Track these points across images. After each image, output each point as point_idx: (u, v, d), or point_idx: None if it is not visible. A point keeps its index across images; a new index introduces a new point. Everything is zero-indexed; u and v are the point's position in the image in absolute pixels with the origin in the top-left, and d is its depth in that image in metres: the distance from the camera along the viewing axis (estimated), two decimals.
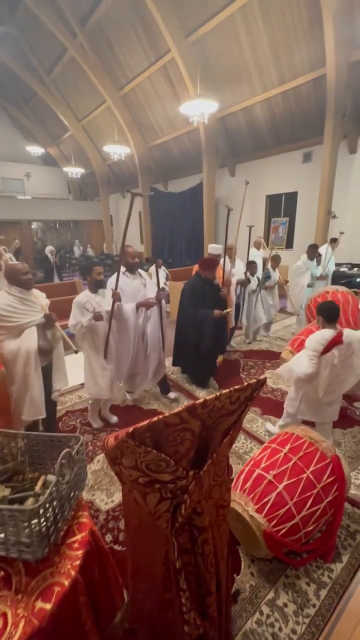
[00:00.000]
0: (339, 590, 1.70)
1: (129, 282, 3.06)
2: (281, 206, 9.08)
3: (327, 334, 2.26)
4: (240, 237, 4.63)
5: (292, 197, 8.66)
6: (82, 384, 3.82)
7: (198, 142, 9.14)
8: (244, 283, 4.64)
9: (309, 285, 5.19)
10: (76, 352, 2.41)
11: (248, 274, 4.80)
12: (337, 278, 6.21)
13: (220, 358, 4.23)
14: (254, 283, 4.88)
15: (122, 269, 3.04)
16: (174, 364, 3.96)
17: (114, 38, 8.37)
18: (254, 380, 1.02)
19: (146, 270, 7.39)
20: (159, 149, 10.91)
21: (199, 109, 6.25)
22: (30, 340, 2.28)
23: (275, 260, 5.31)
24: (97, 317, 2.64)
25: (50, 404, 2.73)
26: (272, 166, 8.80)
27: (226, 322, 3.90)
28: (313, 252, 5.25)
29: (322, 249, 6.31)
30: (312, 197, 7.70)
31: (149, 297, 3.08)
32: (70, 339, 2.46)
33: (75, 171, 12.20)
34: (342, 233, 5.61)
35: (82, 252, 14.92)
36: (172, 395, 3.56)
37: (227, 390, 0.95)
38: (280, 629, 1.54)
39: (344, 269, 6.54)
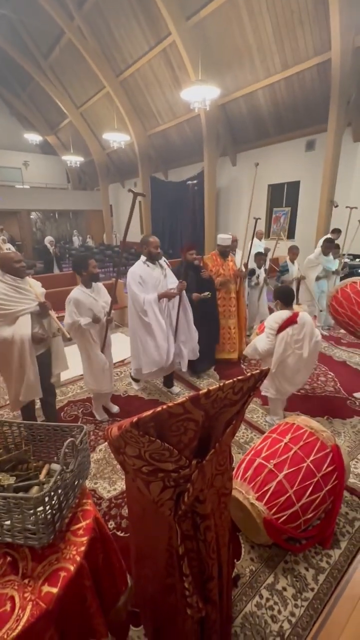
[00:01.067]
0: (337, 575, 1.74)
1: (149, 271, 3.02)
2: (283, 196, 8.97)
3: (283, 314, 2.56)
4: (247, 226, 4.55)
5: (294, 187, 8.55)
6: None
7: (199, 129, 8.97)
8: (242, 275, 4.55)
9: (317, 279, 5.01)
10: (69, 339, 2.47)
11: (255, 265, 4.78)
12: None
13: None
14: (260, 276, 4.85)
15: (143, 258, 3.04)
16: None
17: (113, 21, 8.14)
18: (257, 371, 1.02)
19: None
20: (159, 137, 10.71)
21: (200, 94, 6.12)
22: (24, 327, 2.28)
23: (293, 251, 4.91)
24: (96, 320, 2.65)
25: (50, 393, 2.75)
26: (274, 155, 8.66)
27: (216, 309, 3.87)
28: (328, 248, 4.94)
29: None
30: (314, 186, 7.60)
31: (170, 287, 3.05)
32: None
33: (74, 160, 12.02)
34: None
35: (81, 243, 14.80)
36: (175, 390, 3.56)
37: (230, 380, 0.95)
38: (279, 612, 1.58)
39: (346, 259, 6.49)
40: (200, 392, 0.89)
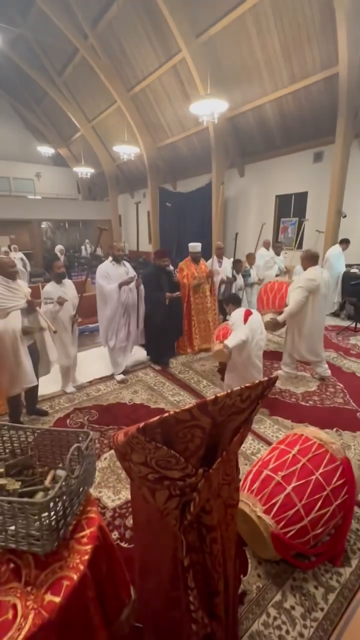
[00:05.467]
0: (348, 595, 1.68)
1: (114, 269, 3.80)
2: (291, 206, 9.00)
3: (240, 310, 3.14)
4: (247, 237, 4.86)
5: (302, 197, 8.58)
6: (90, 382, 3.91)
7: (207, 142, 9.12)
8: (228, 281, 5.12)
9: (276, 276, 5.91)
10: (55, 332, 2.95)
11: (234, 271, 5.23)
12: (348, 279, 6.12)
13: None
14: (240, 281, 5.28)
15: (110, 258, 3.86)
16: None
17: (125, 39, 8.42)
18: (265, 379, 1.01)
19: None
20: (168, 149, 10.92)
21: (209, 108, 6.24)
22: (15, 321, 2.67)
23: (250, 258, 5.72)
24: (60, 301, 3.25)
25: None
26: (282, 166, 8.73)
27: (181, 306, 4.58)
28: (278, 248, 6.07)
29: (334, 250, 6.24)
30: (322, 197, 7.61)
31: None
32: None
33: (84, 171, 12.29)
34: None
35: (91, 251, 15.01)
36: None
37: (238, 387, 0.94)
38: (287, 632, 1.52)
39: (354, 270, 6.45)
40: (208, 398, 0.89)
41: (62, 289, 3.36)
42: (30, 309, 2.80)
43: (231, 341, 2.94)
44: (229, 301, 3.28)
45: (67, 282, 3.50)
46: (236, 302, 3.28)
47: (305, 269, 3.63)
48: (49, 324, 2.86)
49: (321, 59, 6.37)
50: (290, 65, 6.76)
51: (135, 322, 3.94)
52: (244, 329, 2.98)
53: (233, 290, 5.24)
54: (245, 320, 3.02)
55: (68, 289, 3.43)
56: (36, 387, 3.13)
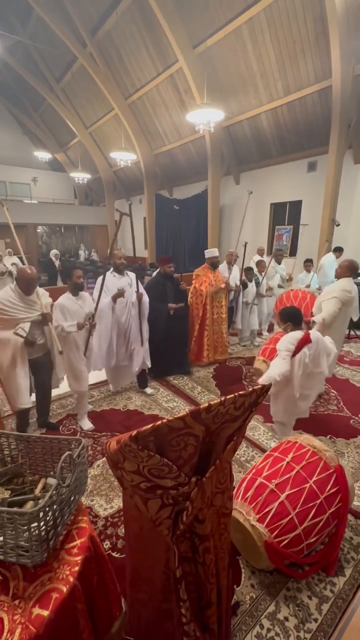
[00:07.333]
0: (342, 605, 1.66)
1: (115, 281, 3.36)
2: (285, 214, 9.12)
3: (296, 334, 2.42)
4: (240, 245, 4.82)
5: (296, 206, 8.71)
6: None
7: (203, 150, 9.24)
8: (237, 289, 4.86)
9: (279, 286, 5.74)
10: (61, 353, 2.62)
11: (245, 280, 5.03)
12: None
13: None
14: (252, 289, 5.07)
15: (111, 269, 3.43)
16: None
17: (123, 48, 8.54)
18: (259, 386, 1.01)
19: (149, 275, 7.50)
20: (165, 156, 11.03)
21: (205, 117, 6.33)
22: (21, 332, 2.51)
23: (260, 265, 5.54)
24: (80, 326, 2.86)
25: (44, 395, 2.98)
26: (276, 175, 8.86)
27: (187, 316, 4.23)
28: (279, 257, 6.01)
29: (327, 258, 6.32)
30: (316, 205, 7.73)
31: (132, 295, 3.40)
32: None
33: (81, 177, 12.35)
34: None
35: (87, 257, 15.01)
36: (148, 390, 3.74)
37: (232, 395, 0.94)
38: None
39: None
40: (201, 406, 0.88)
41: (79, 302, 2.97)
42: (44, 322, 2.63)
43: (270, 375, 2.35)
44: (287, 318, 2.56)
45: (85, 295, 3.09)
46: (295, 320, 2.54)
47: (339, 277, 3.33)
48: (58, 344, 2.59)
49: (315, 72, 6.52)
50: (285, 77, 6.91)
51: (139, 342, 3.46)
52: (284, 364, 2.37)
53: (242, 299, 4.97)
54: (298, 350, 2.39)
55: (85, 303, 3.02)
56: (49, 399, 3.02)
